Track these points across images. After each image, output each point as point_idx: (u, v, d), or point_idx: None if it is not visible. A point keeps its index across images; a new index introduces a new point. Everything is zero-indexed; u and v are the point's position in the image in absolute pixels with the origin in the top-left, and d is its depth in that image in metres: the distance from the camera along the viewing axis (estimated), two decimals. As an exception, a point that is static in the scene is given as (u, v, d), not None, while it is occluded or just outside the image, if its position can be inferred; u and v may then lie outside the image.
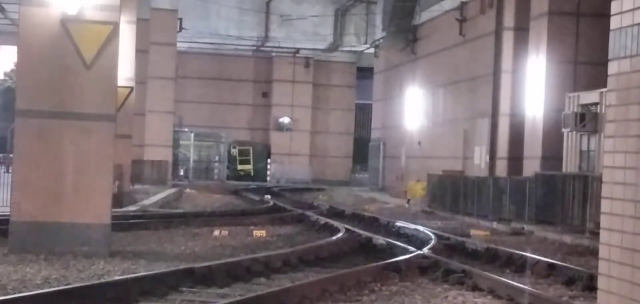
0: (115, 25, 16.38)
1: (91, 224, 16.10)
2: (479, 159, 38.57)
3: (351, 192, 50.44)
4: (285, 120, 64.95)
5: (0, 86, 67.72)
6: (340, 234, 21.61)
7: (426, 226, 25.48)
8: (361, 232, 22.76)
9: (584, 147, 29.87)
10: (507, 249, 18.98)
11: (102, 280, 12.93)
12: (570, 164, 30.18)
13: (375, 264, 15.80)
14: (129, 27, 28.80)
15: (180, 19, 52.85)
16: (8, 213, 17.01)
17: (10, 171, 23.66)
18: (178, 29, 52.63)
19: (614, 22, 8.28)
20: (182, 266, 14.17)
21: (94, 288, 11.65)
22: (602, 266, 8.37)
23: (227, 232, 22.09)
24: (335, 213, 31.35)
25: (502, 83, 37.19)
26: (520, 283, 14.12)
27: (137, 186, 39.16)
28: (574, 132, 29.82)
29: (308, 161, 65.38)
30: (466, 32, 41.06)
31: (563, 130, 30.45)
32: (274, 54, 63.80)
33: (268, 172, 64.56)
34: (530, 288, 13.51)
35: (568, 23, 32.92)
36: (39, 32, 16.17)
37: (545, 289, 14.56)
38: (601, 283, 8.42)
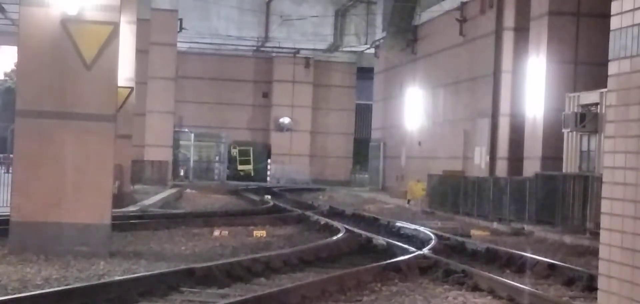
0: (116, 26, 16.38)
1: (91, 225, 16.09)
2: (479, 159, 38.57)
3: (351, 193, 50.44)
4: (286, 120, 64.94)
5: (1, 86, 67.72)
6: (340, 235, 21.61)
7: (426, 227, 25.47)
8: (361, 232, 22.76)
9: (584, 148, 29.86)
10: (507, 250, 18.98)
11: (103, 280, 12.93)
12: (570, 165, 30.17)
13: (375, 264, 15.80)
14: (129, 28, 28.80)
15: (181, 19, 52.85)
16: (8, 213, 17.00)
17: (10, 171, 23.66)
18: (178, 29, 52.63)
19: (614, 23, 8.28)
20: (183, 266, 14.18)
21: (94, 288, 11.65)
22: (602, 267, 8.37)
23: (227, 232, 22.09)
24: (336, 213, 31.35)
25: (502, 83, 37.19)
26: (521, 283, 14.12)
27: (137, 186, 39.15)
28: (574, 132, 29.81)
29: (308, 161, 65.37)
30: (466, 32, 41.06)
31: (563, 130, 30.44)
32: (274, 54, 63.80)
33: (268, 173, 64.56)
34: (530, 288, 13.51)
35: (568, 23, 32.92)
36: (39, 32, 16.17)
37: (546, 289, 14.57)
38: (601, 283, 8.42)
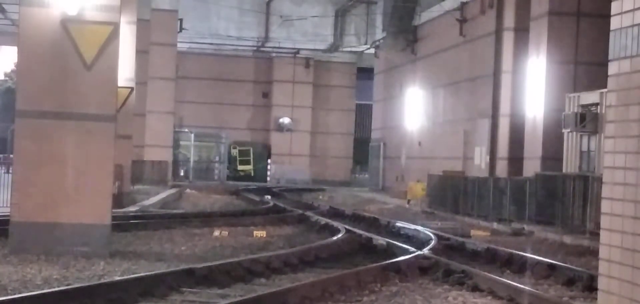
0: (116, 26, 16.38)
1: (91, 225, 16.09)
2: (479, 159, 38.58)
3: (351, 193, 50.44)
4: (286, 120, 64.95)
5: (1, 86, 67.74)
6: (340, 235, 21.61)
7: (426, 227, 25.47)
8: (361, 232, 22.75)
9: (584, 148, 29.86)
10: (507, 250, 18.97)
11: (103, 280, 12.93)
12: (570, 165, 30.18)
13: (375, 264, 15.80)
14: (129, 28, 28.79)
15: (181, 20, 52.86)
16: (8, 213, 17.00)
17: (10, 171, 23.66)
18: (178, 30, 52.64)
19: (614, 23, 8.28)
20: (183, 267, 14.17)
21: (94, 289, 11.65)
22: (602, 267, 8.37)
23: (227, 232, 22.08)
24: (336, 214, 31.35)
25: (502, 83, 37.20)
26: (521, 284, 14.12)
27: (137, 187, 39.16)
28: (574, 132, 29.82)
29: (308, 161, 65.37)
30: (466, 32, 41.06)
31: (563, 130, 30.45)
32: (274, 54, 63.81)
33: (268, 173, 64.57)
34: (530, 289, 13.51)
35: (568, 23, 32.92)
36: (40, 32, 16.16)
37: (546, 289, 14.56)
38: (601, 283, 8.42)
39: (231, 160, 64.95)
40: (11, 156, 23.21)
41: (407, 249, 18.56)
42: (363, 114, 70.60)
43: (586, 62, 32.36)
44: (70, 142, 16.22)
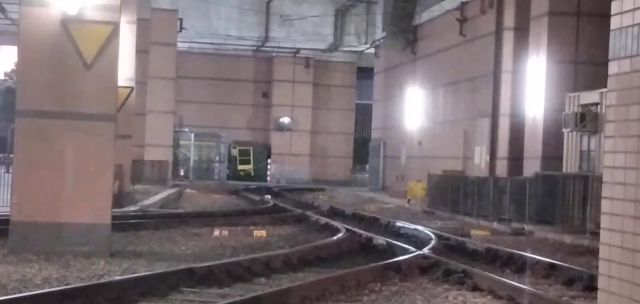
0: (116, 26, 16.39)
1: (91, 224, 16.09)
2: (479, 159, 38.57)
3: (351, 193, 50.44)
4: (286, 120, 64.95)
5: (1, 85, 67.76)
6: (340, 234, 21.62)
7: (426, 226, 25.47)
8: (361, 232, 22.77)
9: (584, 148, 29.86)
10: (508, 249, 18.98)
11: (103, 280, 12.93)
12: (570, 164, 30.18)
13: (375, 264, 15.80)
14: (129, 27, 28.79)
15: (181, 19, 52.86)
16: (8, 213, 17.01)
17: (10, 171, 23.66)
18: (178, 29, 52.64)
19: (614, 22, 8.28)
20: (183, 266, 14.18)
21: (94, 288, 11.65)
22: (603, 266, 8.37)
23: (227, 232, 22.09)
24: (336, 213, 31.35)
25: (502, 83, 37.19)
26: (521, 283, 14.12)
27: (137, 186, 39.16)
28: (574, 132, 29.82)
29: (308, 161, 65.38)
30: (466, 32, 41.05)
31: (563, 130, 30.45)
32: (274, 54, 63.81)
33: (268, 173, 64.57)
34: (530, 288, 13.51)
35: (568, 23, 32.92)
36: (40, 32, 16.17)
37: (546, 289, 14.56)
38: (601, 283, 8.42)
39: (231, 160, 64.95)
40: (11, 155, 23.20)
41: (407, 249, 18.56)
42: (363, 114, 70.59)
43: (586, 62, 32.36)
44: (70, 142, 16.22)
